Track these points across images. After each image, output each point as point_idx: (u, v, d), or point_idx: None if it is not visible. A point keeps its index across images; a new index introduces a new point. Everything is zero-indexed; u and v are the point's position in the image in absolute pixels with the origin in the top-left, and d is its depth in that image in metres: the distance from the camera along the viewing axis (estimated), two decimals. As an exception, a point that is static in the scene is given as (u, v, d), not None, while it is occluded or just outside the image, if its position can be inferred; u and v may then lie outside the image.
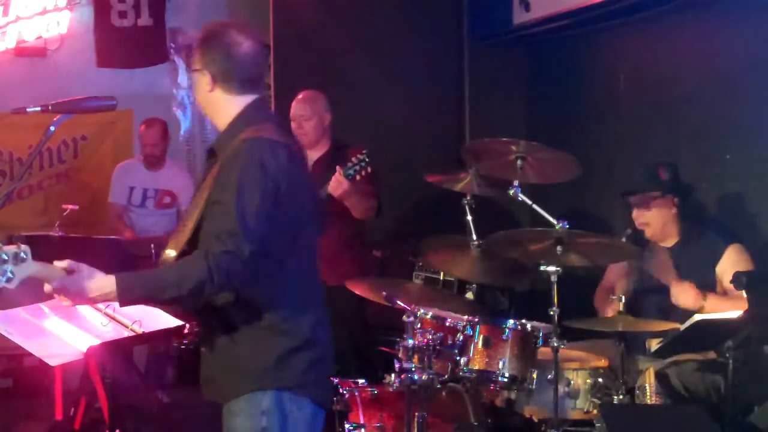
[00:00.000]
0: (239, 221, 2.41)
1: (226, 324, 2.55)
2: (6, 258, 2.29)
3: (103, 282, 2.42)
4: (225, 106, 2.65)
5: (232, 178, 2.47)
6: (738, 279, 3.30)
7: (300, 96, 4.80)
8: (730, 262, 3.83)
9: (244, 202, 2.44)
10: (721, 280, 3.85)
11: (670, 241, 4.06)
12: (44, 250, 4.75)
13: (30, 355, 3.05)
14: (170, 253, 2.55)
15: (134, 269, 5.20)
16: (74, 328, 3.16)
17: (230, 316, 2.53)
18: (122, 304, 2.47)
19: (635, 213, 4.05)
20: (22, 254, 2.31)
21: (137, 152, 6.18)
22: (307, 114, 4.73)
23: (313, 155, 4.78)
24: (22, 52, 6.32)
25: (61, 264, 2.45)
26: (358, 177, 4.27)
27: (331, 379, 2.79)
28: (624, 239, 3.98)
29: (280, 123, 2.78)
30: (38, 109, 2.55)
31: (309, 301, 2.60)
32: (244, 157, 2.50)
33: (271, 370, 2.52)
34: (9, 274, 2.30)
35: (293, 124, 4.77)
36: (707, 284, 3.87)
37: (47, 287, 2.43)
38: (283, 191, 2.48)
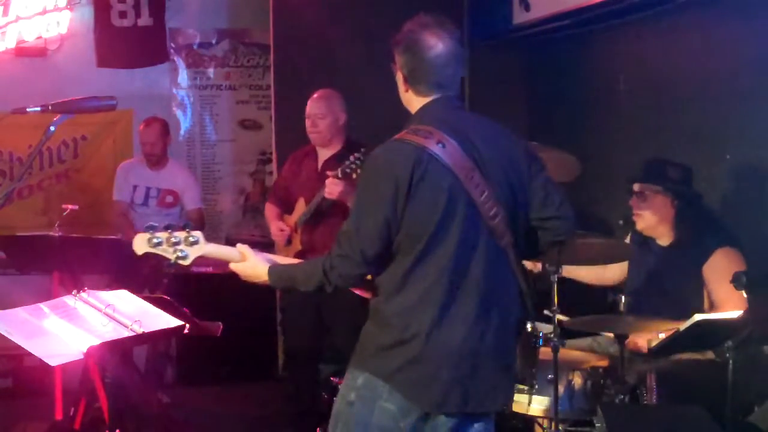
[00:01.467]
0: (354, 225, 2.56)
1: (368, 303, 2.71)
2: (177, 240, 2.73)
3: (260, 272, 2.75)
4: (414, 106, 2.71)
5: (359, 183, 2.66)
6: (738, 279, 3.29)
7: (316, 95, 4.79)
8: (716, 264, 3.82)
9: (361, 206, 2.59)
10: (707, 281, 3.85)
11: (665, 240, 4.06)
12: (44, 250, 4.80)
13: (30, 355, 3.04)
14: None
15: (134, 269, 5.23)
16: (74, 328, 3.16)
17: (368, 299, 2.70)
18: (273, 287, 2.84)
19: (632, 201, 4.05)
20: (191, 238, 2.73)
21: (137, 152, 6.19)
22: (321, 112, 4.73)
23: (325, 154, 4.79)
24: (22, 52, 6.32)
25: (241, 248, 2.79)
26: (354, 175, 4.28)
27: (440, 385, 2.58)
28: (621, 223, 4.01)
29: (449, 121, 2.62)
30: (38, 109, 2.55)
31: (425, 303, 2.55)
32: (370, 161, 2.65)
33: (373, 357, 2.61)
34: (181, 253, 2.74)
35: (308, 122, 4.77)
36: (698, 288, 3.87)
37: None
38: (405, 195, 2.50)
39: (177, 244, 2.74)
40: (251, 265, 2.77)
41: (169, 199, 5.89)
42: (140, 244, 2.78)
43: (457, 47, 2.69)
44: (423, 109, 2.68)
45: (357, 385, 2.63)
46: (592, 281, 4.37)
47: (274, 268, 2.75)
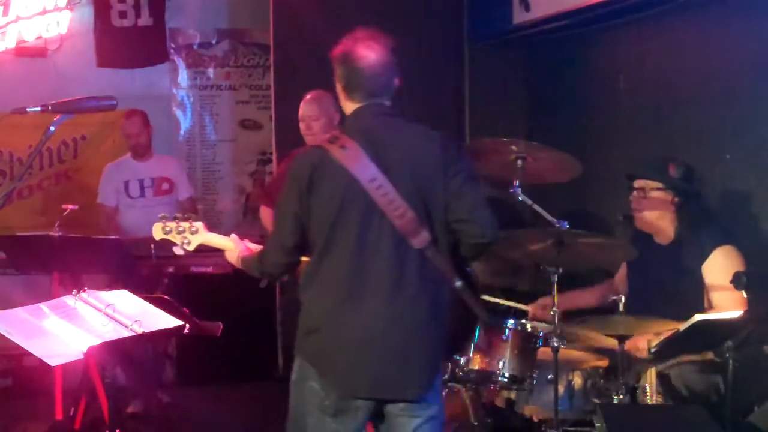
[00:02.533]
0: (276, 220, 2.98)
1: None
2: (183, 229, 3.24)
3: (235, 260, 3.18)
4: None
5: None
6: (738, 279, 3.29)
7: (308, 96, 4.78)
8: (715, 263, 3.82)
9: (280, 204, 2.96)
10: (707, 280, 3.85)
11: (665, 239, 4.06)
12: (44, 250, 4.80)
13: (30, 355, 3.04)
14: None
15: (134, 269, 5.22)
16: (74, 328, 3.16)
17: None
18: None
19: (633, 197, 4.06)
20: (193, 228, 3.24)
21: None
22: (315, 114, 4.72)
23: None
24: (22, 52, 6.31)
25: (232, 237, 3.21)
26: None
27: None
28: (620, 218, 4.02)
29: (364, 127, 2.89)
30: (38, 109, 2.55)
31: (328, 296, 2.81)
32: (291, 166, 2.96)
33: (300, 341, 2.91)
34: (185, 240, 3.24)
35: (302, 125, 4.76)
36: (697, 286, 3.87)
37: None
38: (307, 194, 2.80)
39: (182, 232, 3.25)
40: (234, 253, 3.18)
41: (165, 186, 5.85)
42: (157, 232, 3.29)
43: (390, 57, 2.94)
44: (348, 116, 2.96)
45: (295, 367, 2.95)
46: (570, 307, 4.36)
47: (243, 257, 3.14)
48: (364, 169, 2.78)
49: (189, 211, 5.97)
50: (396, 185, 2.77)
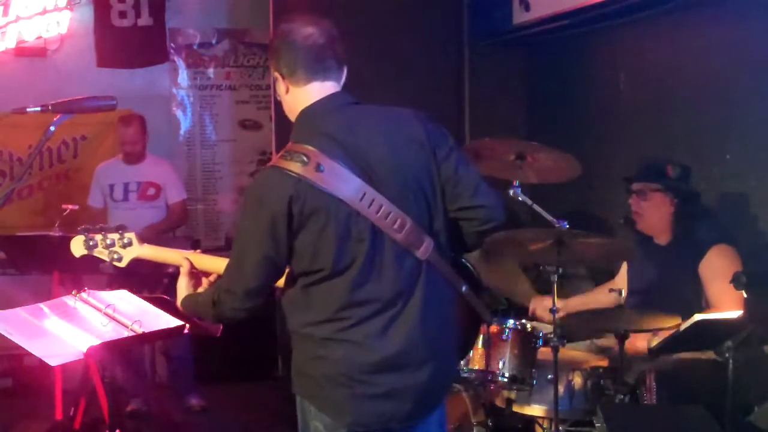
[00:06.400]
0: (236, 260, 2.43)
1: None
2: (111, 242, 2.73)
3: (179, 295, 2.65)
4: (297, 108, 2.60)
5: (240, 210, 2.47)
6: (738, 279, 3.29)
7: None
8: (711, 262, 3.84)
9: (241, 240, 2.44)
10: (703, 278, 3.87)
11: (664, 239, 4.07)
12: (44, 250, 4.80)
13: (30, 355, 3.04)
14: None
15: (134, 269, 5.22)
16: (74, 328, 3.16)
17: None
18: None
19: (632, 200, 4.07)
20: (125, 239, 2.73)
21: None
22: None
23: None
24: (22, 52, 6.32)
25: (189, 256, 2.68)
26: None
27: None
28: (621, 221, 4.04)
29: (331, 131, 2.46)
30: (38, 109, 2.55)
31: (329, 322, 2.41)
32: (249, 191, 2.47)
33: (296, 376, 2.53)
34: (116, 255, 2.74)
35: None
36: (696, 286, 3.88)
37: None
38: (287, 230, 2.33)
39: (111, 245, 2.75)
40: (180, 284, 2.67)
41: (151, 191, 5.75)
42: (77, 247, 2.78)
43: (334, 32, 2.64)
44: (301, 117, 2.52)
45: (297, 407, 2.57)
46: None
47: (186, 298, 2.63)
48: (347, 186, 2.35)
49: (179, 216, 5.94)
50: (385, 192, 2.37)
